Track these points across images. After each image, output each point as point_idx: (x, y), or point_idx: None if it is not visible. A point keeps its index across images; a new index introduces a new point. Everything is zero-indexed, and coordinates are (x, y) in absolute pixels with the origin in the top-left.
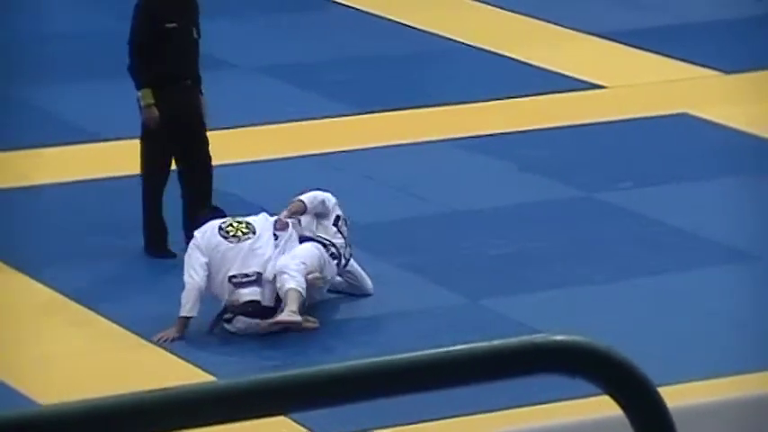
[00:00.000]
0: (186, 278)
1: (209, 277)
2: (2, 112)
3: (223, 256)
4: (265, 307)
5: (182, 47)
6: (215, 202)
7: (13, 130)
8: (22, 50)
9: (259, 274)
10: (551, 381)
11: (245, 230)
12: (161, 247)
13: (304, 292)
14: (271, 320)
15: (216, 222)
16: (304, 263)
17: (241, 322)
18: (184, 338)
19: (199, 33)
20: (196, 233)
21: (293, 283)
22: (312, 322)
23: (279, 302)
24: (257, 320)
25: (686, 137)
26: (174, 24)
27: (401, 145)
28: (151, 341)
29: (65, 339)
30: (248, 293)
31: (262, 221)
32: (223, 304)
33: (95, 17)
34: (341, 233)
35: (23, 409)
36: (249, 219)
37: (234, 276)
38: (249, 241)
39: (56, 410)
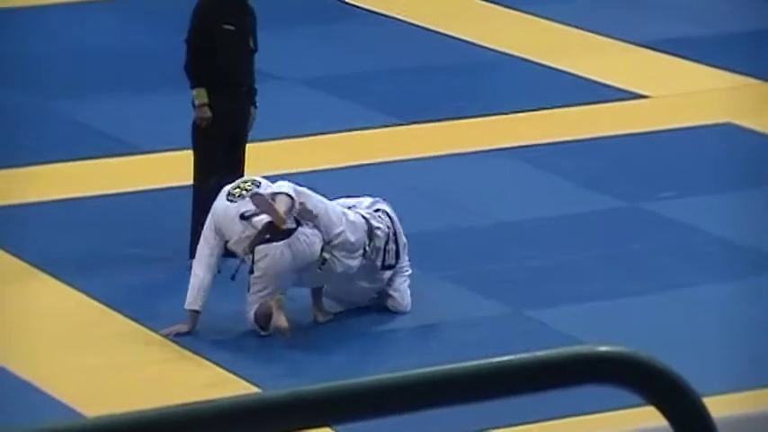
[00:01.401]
0: (193, 270)
1: (228, 240)
2: (41, 125)
3: (228, 216)
4: (283, 230)
5: (237, 52)
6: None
7: (52, 144)
8: (60, 64)
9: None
10: (596, 391)
11: (248, 187)
12: None
13: (296, 197)
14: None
15: (227, 189)
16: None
17: (263, 261)
18: (230, 349)
19: (256, 44)
20: (213, 206)
21: (284, 188)
22: (323, 314)
23: (299, 224)
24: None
25: (729, 146)
26: (230, 27)
27: (444, 156)
28: (196, 353)
29: (108, 351)
30: (262, 218)
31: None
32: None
33: (133, 31)
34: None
35: (68, 421)
36: (257, 177)
37: (243, 214)
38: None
39: (100, 422)
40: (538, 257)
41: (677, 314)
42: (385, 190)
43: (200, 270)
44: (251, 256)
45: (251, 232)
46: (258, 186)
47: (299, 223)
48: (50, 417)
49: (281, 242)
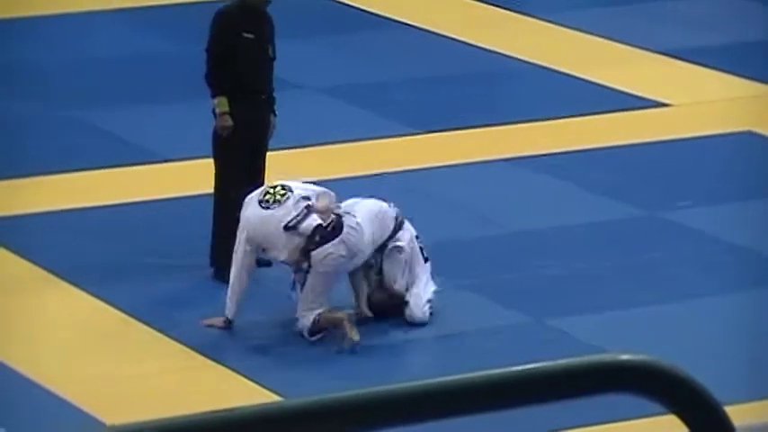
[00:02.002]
0: (231, 282)
1: (267, 249)
2: (63, 134)
3: (265, 223)
4: (333, 228)
5: (257, 60)
6: None
7: (75, 152)
8: (82, 74)
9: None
10: (618, 399)
11: (281, 192)
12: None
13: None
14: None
15: (255, 197)
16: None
17: (324, 262)
18: (251, 358)
19: (274, 53)
20: (242, 217)
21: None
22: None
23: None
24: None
25: (750, 155)
26: (251, 35)
27: (464, 164)
28: (217, 361)
29: (129, 359)
30: (309, 223)
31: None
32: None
33: (153, 40)
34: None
35: (91, 429)
36: (285, 182)
37: (288, 224)
38: (287, 205)
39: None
40: (557, 266)
41: (696, 323)
42: (404, 199)
43: (237, 282)
44: (307, 263)
45: (299, 240)
46: (291, 191)
47: (339, 217)
48: (71, 425)
49: (336, 240)
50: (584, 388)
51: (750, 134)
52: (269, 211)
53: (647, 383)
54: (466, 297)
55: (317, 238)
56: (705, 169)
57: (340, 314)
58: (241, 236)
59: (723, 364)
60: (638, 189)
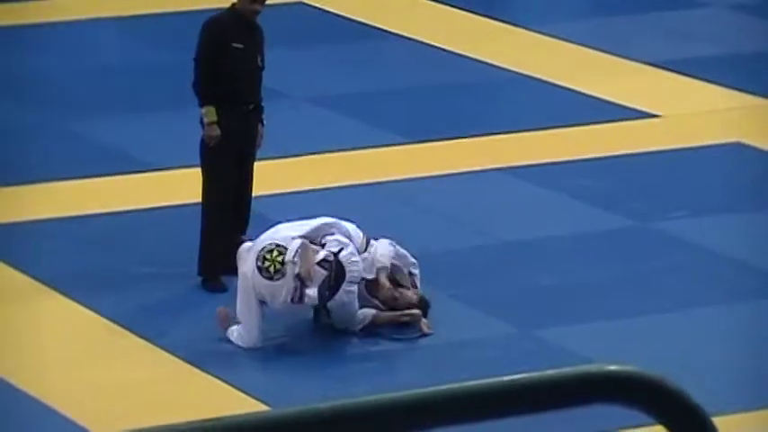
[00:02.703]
0: (246, 330)
1: (266, 303)
2: (51, 142)
3: (273, 293)
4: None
5: (245, 70)
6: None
7: (68, 161)
8: (70, 82)
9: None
10: (604, 410)
11: (279, 260)
12: (217, 280)
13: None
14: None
15: (251, 257)
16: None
17: (341, 305)
18: (239, 367)
19: (263, 62)
20: (243, 274)
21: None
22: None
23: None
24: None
25: (739, 166)
26: (240, 45)
27: (452, 174)
28: (206, 371)
29: (118, 369)
30: (312, 291)
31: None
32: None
33: (142, 49)
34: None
35: None
36: (280, 241)
37: (293, 299)
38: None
39: None
40: (549, 277)
41: (687, 334)
42: (394, 209)
43: (251, 333)
44: (325, 311)
45: (311, 302)
46: (285, 250)
47: (337, 258)
48: None
49: (344, 284)
50: (572, 398)
51: (740, 145)
52: (273, 282)
53: (633, 394)
54: (456, 307)
55: (327, 293)
56: (695, 180)
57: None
58: (247, 287)
59: (714, 374)
60: (630, 200)
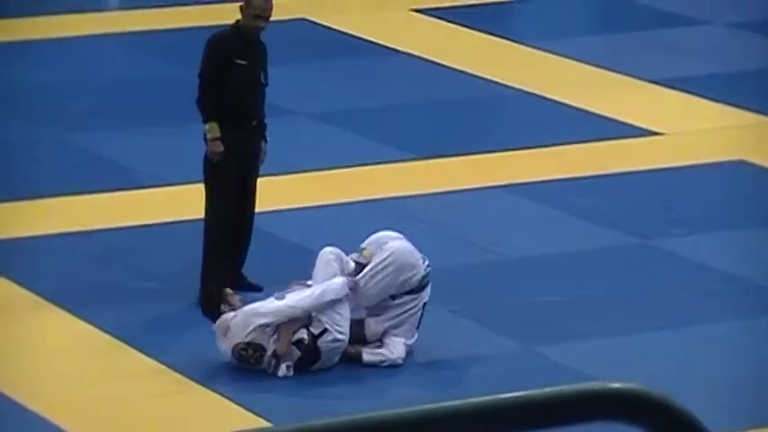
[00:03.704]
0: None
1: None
2: (52, 157)
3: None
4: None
5: (249, 86)
6: (271, 248)
7: (68, 175)
8: (72, 96)
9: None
10: (607, 428)
11: (256, 357)
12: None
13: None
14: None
15: (228, 351)
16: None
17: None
18: (239, 382)
19: (266, 79)
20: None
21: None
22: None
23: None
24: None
25: (741, 184)
26: (243, 62)
27: (456, 191)
28: (206, 386)
29: (118, 384)
30: (285, 370)
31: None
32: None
33: (145, 65)
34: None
35: None
36: (255, 337)
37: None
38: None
39: None
40: (549, 293)
41: (689, 351)
42: (397, 225)
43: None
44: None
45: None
46: (260, 350)
47: (315, 337)
48: None
49: (318, 361)
50: (574, 416)
51: (742, 163)
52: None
53: (636, 411)
54: (456, 323)
55: (304, 365)
56: (698, 198)
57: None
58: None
59: (716, 392)
60: (631, 217)
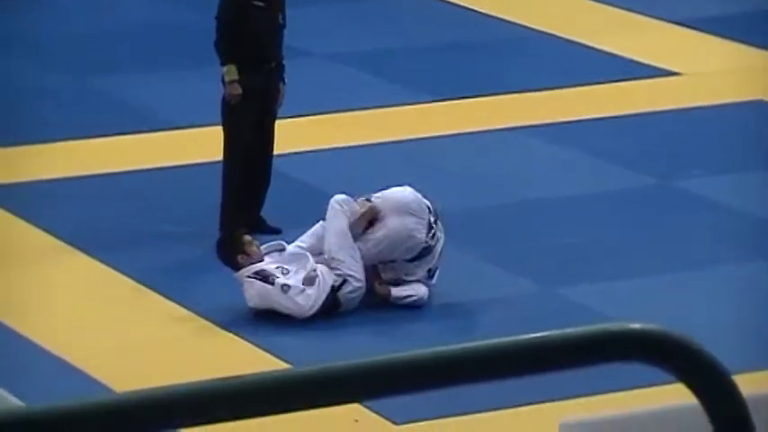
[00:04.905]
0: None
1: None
2: (79, 101)
3: None
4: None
5: (267, 28)
6: (288, 190)
7: (89, 119)
8: (93, 42)
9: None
10: (625, 368)
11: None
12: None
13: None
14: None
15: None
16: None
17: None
18: (260, 325)
19: (285, 20)
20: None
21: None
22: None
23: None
24: None
25: (761, 124)
26: (261, 3)
27: (473, 133)
28: (227, 329)
29: (140, 327)
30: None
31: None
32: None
33: (167, 10)
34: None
35: (101, 396)
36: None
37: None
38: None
39: (132, 397)
40: (569, 235)
41: (708, 292)
42: (413, 167)
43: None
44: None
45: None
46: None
47: (334, 289)
48: (82, 392)
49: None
50: (593, 357)
51: (762, 103)
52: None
53: (655, 352)
54: (476, 266)
55: (326, 312)
56: (717, 138)
57: None
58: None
59: (735, 332)
60: (651, 158)
